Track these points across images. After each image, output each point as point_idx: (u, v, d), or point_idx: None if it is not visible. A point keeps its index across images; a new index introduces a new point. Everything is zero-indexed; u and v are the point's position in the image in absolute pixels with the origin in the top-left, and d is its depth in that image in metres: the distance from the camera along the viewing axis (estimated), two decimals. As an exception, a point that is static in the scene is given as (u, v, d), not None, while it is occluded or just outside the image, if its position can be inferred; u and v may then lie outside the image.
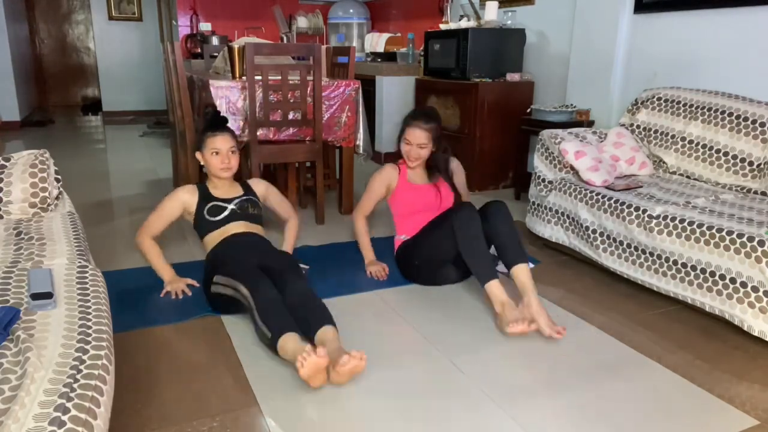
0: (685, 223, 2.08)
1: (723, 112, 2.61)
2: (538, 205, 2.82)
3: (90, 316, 1.31)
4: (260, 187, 2.52)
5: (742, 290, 1.91)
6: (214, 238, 2.28)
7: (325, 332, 1.78)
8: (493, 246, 2.19)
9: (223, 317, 2.09)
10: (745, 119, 2.52)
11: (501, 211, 2.17)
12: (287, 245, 2.52)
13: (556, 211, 2.67)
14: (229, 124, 2.93)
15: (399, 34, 5.71)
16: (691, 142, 2.70)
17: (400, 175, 2.53)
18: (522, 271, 2.06)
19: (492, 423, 1.55)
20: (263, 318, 1.79)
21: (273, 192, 2.57)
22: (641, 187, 2.54)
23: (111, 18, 7.74)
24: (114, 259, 2.64)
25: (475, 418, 1.57)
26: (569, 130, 2.95)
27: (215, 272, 2.09)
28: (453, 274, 2.40)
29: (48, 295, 1.35)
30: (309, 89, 3.01)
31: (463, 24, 3.99)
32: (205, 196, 2.33)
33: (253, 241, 2.25)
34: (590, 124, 3.44)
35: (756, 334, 1.88)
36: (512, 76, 3.95)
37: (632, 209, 2.27)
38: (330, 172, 3.80)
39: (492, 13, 3.93)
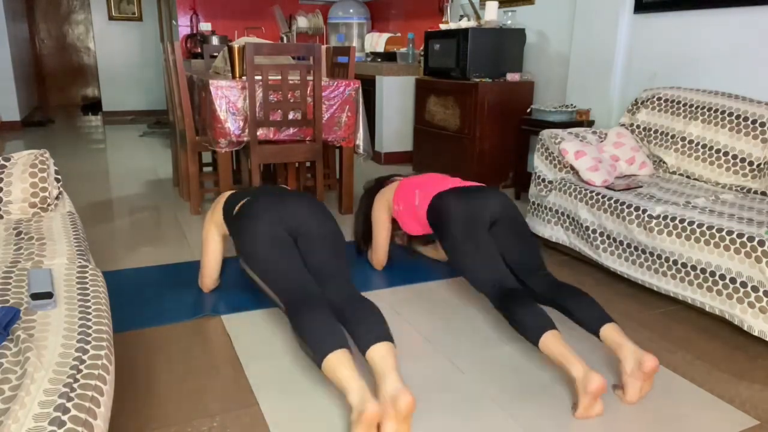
0: (685, 223, 2.08)
1: (723, 112, 2.61)
2: (538, 205, 2.82)
3: (90, 316, 1.31)
4: None
5: (742, 290, 1.91)
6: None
7: (379, 352, 1.51)
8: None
9: (223, 317, 2.09)
10: (745, 119, 2.52)
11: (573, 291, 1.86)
12: None
13: (556, 211, 2.67)
14: (228, 124, 2.95)
15: (399, 34, 5.71)
16: (691, 142, 2.70)
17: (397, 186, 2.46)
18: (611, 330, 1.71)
19: (492, 423, 1.55)
20: (302, 338, 1.56)
21: None
22: (641, 187, 2.54)
23: (111, 18, 7.74)
24: (114, 259, 2.64)
25: (475, 418, 1.57)
26: (569, 130, 2.95)
27: (237, 244, 1.90)
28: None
29: (48, 295, 1.35)
30: (309, 89, 3.01)
31: (463, 24, 3.99)
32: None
33: (287, 197, 1.95)
34: (590, 124, 3.44)
35: (756, 334, 1.88)
36: (512, 76, 3.95)
37: (632, 209, 2.27)
38: (330, 172, 3.80)
39: (492, 13, 3.93)
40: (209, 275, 2.23)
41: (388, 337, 1.56)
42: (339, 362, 1.45)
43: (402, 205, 2.37)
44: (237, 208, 1.99)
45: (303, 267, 1.82)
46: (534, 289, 1.93)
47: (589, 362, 1.60)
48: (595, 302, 1.80)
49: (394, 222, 2.50)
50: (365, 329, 1.57)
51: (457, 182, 2.26)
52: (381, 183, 2.60)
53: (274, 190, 2.06)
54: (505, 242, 2.04)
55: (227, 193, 2.20)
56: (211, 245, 2.17)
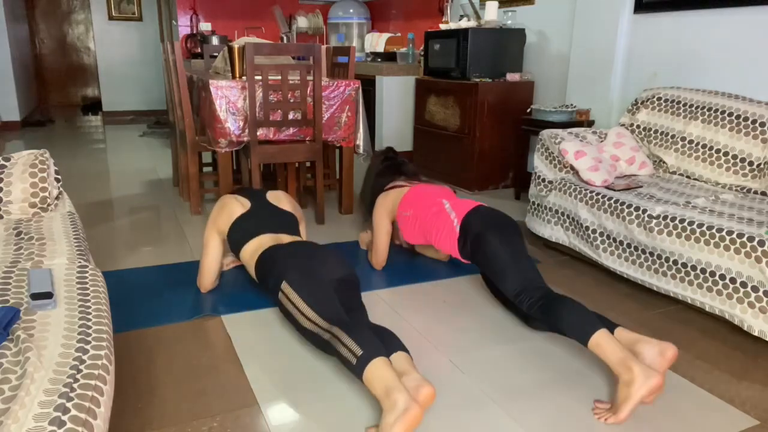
0: (685, 223, 2.08)
1: (723, 112, 2.61)
2: (538, 205, 2.82)
3: (90, 316, 1.31)
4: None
5: (742, 290, 1.91)
6: (254, 246, 2.04)
7: (399, 358, 1.61)
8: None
9: (223, 317, 2.09)
10: (745, 119, 2.52)
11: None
12: None
13: (556, 211, 2.67)
14: (228, 124, 2.95)
15: (399, 34, 5.70)
16: (691, 142, 2.70)
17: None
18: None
19: (492, 423, 1.55)
20: (343, 348, 1.57)
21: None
22: (641, 187, 2.54)
23: (111, 18, 7.74)
24: (114, 259, 2.64)
25: (475, 417, 1.57)
26: (569, 130, 2.95)
27: (279, 276, 1.85)
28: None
29: (48, 295, 1.35)
30: (309, 89, 3.01)
31: (463, 24, 3.99)
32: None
33: (315, 253, 1.97)
34: (590, 124, 3.44)
35: (756, 334, 1.88)
36: (512, 76, 3.95)
37: (632, 209, 2.27)
38: (330, 172, 3.80)
39: (492, 13, 3.93)
40: (207, 276, 2.24)
41: (405, 349, 1.66)
42: (376, 370, 1.48)
43: (411, 209, 2.36)
44: (262, 252, 1.98)
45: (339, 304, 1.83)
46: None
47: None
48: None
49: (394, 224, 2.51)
50: (385, 344, 1.63)
51: (470, 202, 2.27)
52: (384, 181, 2.59)
53: (299, 249, 2.01)
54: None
55: (229, 198, 2.21)
56: (211, 248, 2.19)
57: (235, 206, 2.18)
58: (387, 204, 2.47)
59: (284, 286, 1.80)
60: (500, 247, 2.02)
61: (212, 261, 2.20)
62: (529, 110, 3.67)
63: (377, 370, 1.47)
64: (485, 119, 3.88)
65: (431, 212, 2.27)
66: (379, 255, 2.53)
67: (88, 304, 1.37)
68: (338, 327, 1.63)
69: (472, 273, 2.51)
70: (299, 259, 1.91)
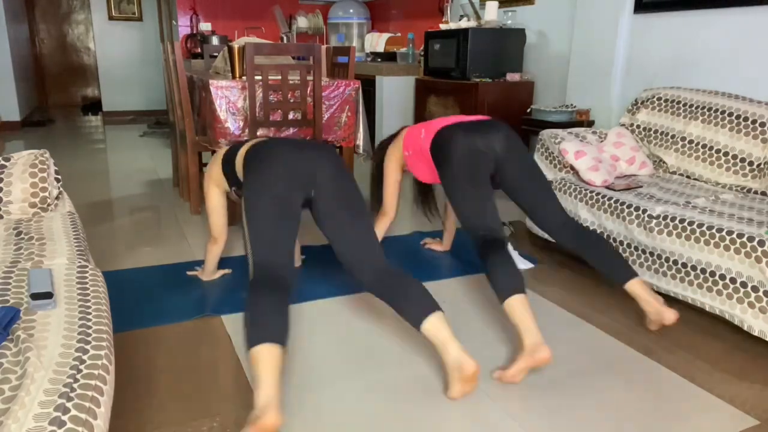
0: (685, 223, 2.08)
1: (723, 112, 2.61)
2: (538, 205, 2.82)
3: (90, 316, 1.31)
4: None
5: (742, 290, 1.91)
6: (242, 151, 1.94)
7: (431, 325, 1.60)
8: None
9: (223, 317, 2.09)
10: (745, 119, 2.52)
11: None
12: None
13: (556, 211, 2.67)
14: (228, 124, 2.95)
15: (399, 34, 5.71)
16: (691, 142, 2.70)
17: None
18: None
19: (491, 422, 1.55)
20: (246, 315, 1.52)
21: None
22: (641, 187, 2.54)
23: (111, 18, 7.74)
24: (114, 259, 2.64)
25: (475, 417, 1.57)
26: (569, 130, 2.95)
27: (246, 178, 1.77)
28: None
29: (48, 295, 1.35)
30: (309, 89, 3.01)
31: (463, 24, 3.99)
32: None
33: (308, 149, 1.82)
34: (590, 124, 3.44)
35: (756, 334, 1.88)
36: (512, 76, 3.95)
37: (632, 209, 2.27)
38: (330, 172, 3.79)
39: (492, 13, 3.93)
40: (214, 222, 2.22)
41: (433, 307, 1.64)
42: (264, 358, 1.43)
43: (411, 149, 2.32)
44: (246, 150, 1.90)
45: (291, 243, 1.72)
46: (556, 236, 2.16)
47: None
48: (618, 257, 2.05)
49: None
50: (408, 305, 1.67)
51: (462, 117, 2.24)
52: (393, 136, 2.55)
53: (290, 140, 1.94)
54: (515, 183, 2.12)
55: (226, 148, 2.16)
56: (212, 195, 2.18)
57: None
58: (394, 152, 2.42)
59: (243, 202, 1.73)
60: (456, 181, 2.04)
61: (216, 206, 2.19)
62: (529, 110, 3.68)
63: (253, 362, 1.43)
64: (485, 119, 3.88)
65: (419, 142, 2.23)
66: (385, 205, 2.47)
67: (88, 304, 1.37)
68: (255, 285, 1.57)
69: (473, 273, 2.51)
70: (270, 162, 1.74)
